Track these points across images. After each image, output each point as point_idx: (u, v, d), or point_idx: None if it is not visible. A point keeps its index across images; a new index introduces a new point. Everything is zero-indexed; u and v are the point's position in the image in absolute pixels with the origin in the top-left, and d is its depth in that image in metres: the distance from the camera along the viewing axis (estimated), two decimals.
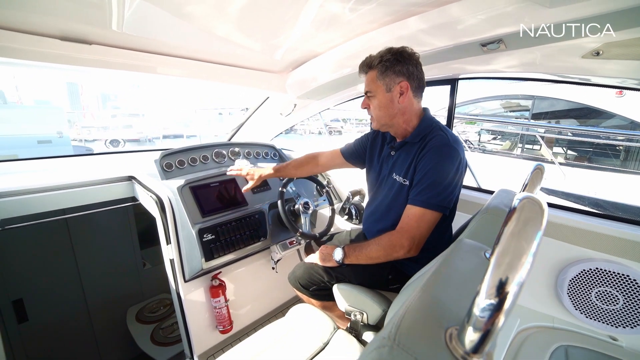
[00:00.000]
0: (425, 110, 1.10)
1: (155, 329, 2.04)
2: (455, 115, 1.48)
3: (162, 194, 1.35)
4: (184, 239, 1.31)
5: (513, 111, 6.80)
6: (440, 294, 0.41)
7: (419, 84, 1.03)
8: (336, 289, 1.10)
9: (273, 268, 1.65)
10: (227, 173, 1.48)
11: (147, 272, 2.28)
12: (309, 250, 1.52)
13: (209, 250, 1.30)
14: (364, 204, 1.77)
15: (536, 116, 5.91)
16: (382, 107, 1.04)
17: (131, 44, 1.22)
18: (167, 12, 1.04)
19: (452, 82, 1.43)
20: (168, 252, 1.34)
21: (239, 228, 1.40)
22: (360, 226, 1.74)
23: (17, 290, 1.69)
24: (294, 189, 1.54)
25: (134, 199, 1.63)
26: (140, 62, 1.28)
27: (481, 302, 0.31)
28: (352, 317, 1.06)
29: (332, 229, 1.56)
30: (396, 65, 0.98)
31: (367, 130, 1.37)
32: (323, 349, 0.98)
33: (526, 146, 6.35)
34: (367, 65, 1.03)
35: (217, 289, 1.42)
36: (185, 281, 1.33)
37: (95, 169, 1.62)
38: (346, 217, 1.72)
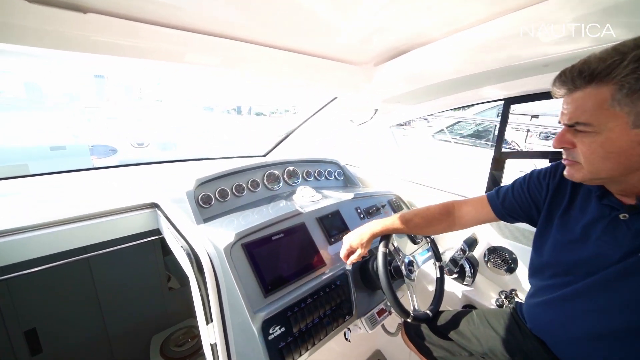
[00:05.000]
0: None
1: None
2: None
3: (199, 250, 0.88)
4: (235, 327, 0.84)
5: None
6: None
7: None
8: None
9: (347, 339, 1.18)
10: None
11: (173, 295, 1.94)
12: (410, 332, 1.03)
13: (278, 353, 0.82)
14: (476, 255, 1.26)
15: None
16: (612, 152, 0.55)
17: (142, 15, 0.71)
18: None
19: None
20: (208, 333, 0.88)
21: (318, 307, 0.91)
22: (469, 287, 1.22)
23: (29, 320, 1.44)
24: (395, 244, 1.02)
25: (158, 231, 1.23)
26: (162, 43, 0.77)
27: None
28: None
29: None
30: None
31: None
32: None
33: None
34: (586, 75, 0.54)
35: None
36: None
37: (115, 186, 1.34)
38: (455, 275, 1.21)
